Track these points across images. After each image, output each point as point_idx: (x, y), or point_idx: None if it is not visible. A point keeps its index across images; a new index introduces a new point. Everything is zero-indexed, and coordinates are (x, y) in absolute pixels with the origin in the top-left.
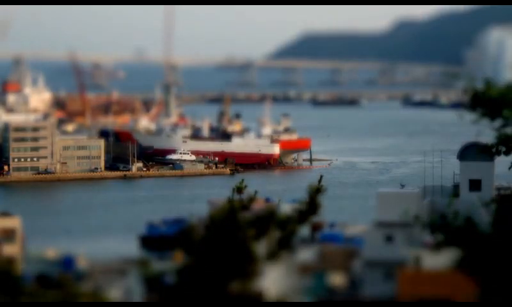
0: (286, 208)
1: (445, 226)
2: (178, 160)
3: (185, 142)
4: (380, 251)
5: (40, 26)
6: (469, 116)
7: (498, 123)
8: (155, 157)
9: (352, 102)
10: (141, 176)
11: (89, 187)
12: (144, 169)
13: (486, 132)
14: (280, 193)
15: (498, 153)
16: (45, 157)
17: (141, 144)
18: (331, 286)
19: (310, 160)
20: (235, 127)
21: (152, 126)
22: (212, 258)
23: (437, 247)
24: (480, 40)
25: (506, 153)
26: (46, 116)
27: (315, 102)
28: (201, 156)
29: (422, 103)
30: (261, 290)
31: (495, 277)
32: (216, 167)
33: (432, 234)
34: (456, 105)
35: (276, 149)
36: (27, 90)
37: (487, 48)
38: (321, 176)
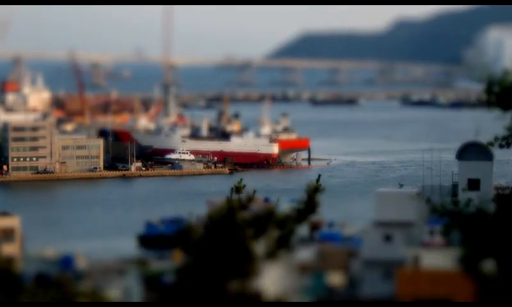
0: (285, 208)
1: (456, 212)
2: (177, 159)
3: (184, 141)
4: (379, 251)
5: (39, 26)
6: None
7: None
8: (154, 157)
9: (351, 102)
10: (140, 176)
11: (88, 186)
12: (143, 168)
13: (485, 132)
14: (277, 191)
15: (508, 145)
16: (44, 157)
17: (140, 144)
18: (330, 285)
19: (309, 159)
20: (234, 127)
21: (151, 126)
22: (211, 258)
23: (445, 231)
24: (479, 40)
25: None
26: (45, 115)
27: (314, 102)
28: (200, 155)
29: (421, 103)
30: (260, 290)
31: (495, 276)
32: (215, 166)
33: (441, 217)
34: (454, 105)
35: (274, 149)
36: (26, 90)
37: (486, 48)
38: (319, 176)
